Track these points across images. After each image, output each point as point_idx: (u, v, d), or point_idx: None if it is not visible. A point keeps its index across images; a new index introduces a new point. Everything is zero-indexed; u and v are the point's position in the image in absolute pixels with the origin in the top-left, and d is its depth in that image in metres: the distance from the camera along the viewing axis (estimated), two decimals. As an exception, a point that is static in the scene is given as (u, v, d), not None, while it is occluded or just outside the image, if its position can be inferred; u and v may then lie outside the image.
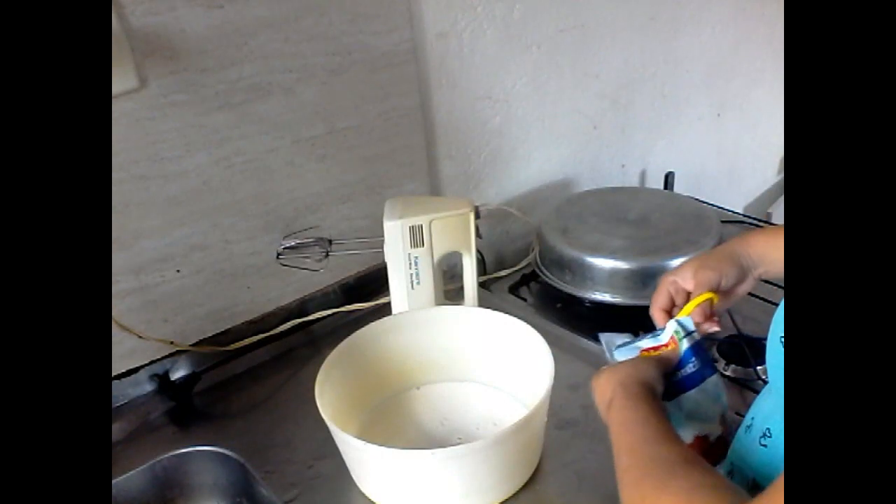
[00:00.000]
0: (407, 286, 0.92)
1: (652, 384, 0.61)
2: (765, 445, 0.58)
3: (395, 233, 0.89)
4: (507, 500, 0.73)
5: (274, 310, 1.02)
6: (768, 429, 0.58)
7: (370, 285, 1.09)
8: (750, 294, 1.06)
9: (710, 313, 0.69)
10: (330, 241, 0.98)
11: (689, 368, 0.66)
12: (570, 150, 1.37)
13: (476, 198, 1.21)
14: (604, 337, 0.73)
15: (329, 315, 1.04)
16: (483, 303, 0.97)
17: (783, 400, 0.49)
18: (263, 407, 0.90)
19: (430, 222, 0.89)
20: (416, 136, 1.08)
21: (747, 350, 0.93)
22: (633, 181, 1.55)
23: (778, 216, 1.87)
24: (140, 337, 0.89)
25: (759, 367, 0.91)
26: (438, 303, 0.94)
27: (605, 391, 0.61)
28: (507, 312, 0.85)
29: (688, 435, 0.65)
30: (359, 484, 0.75)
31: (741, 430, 0.64)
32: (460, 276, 0.97)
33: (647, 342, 0.69)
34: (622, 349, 0.70)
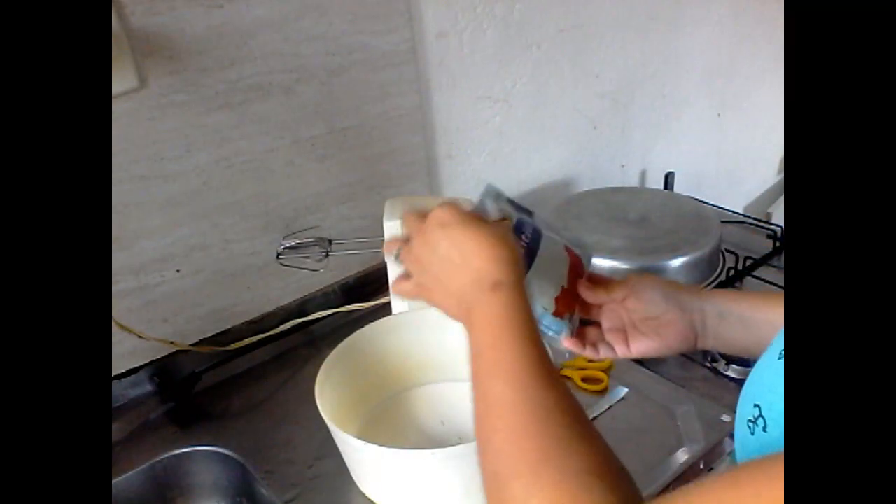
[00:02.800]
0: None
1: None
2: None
3: (395, 233, 0.89)
4: (507, 500, 0.73)
5: (274, 310, 1.02)
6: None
7: (370, 285, 1.09)
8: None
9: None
10: (330, 241, 0.98)
11: (528, 230, 0.60)
12: (570, 150, 1.37)
13: (476, 198, 1.21)
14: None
15: (329, 315, 1.04)
16: (483, 303, 0.97)
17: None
18: (263, 407, 0.90)
19: (430, 222, 0.89)
20: (416, 136, 1.08)
21: (747, 350, 0.93)
22: (633, 181, 1.55)
23: (778, 216, 1.87)
24: (140, 337, 0.89)
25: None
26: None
27: (489, 258, 0.50)
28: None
29: (549, 299, 0.61)
30: (359, 484, 0.75)
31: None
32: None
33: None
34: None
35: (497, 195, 0.62)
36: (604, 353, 0.66)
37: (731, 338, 0.62)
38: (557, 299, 0.63)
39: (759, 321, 0.61)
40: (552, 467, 0.43)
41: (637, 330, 0.64)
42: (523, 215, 0.63)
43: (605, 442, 0.45)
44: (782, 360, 0.47)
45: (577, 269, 0.65)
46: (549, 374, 0.47)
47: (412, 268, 0.58)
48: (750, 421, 0.47)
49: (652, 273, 1.01)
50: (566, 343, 0.65)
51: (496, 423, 0.46)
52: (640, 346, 0.64)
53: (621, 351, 0.65)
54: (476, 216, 0.55)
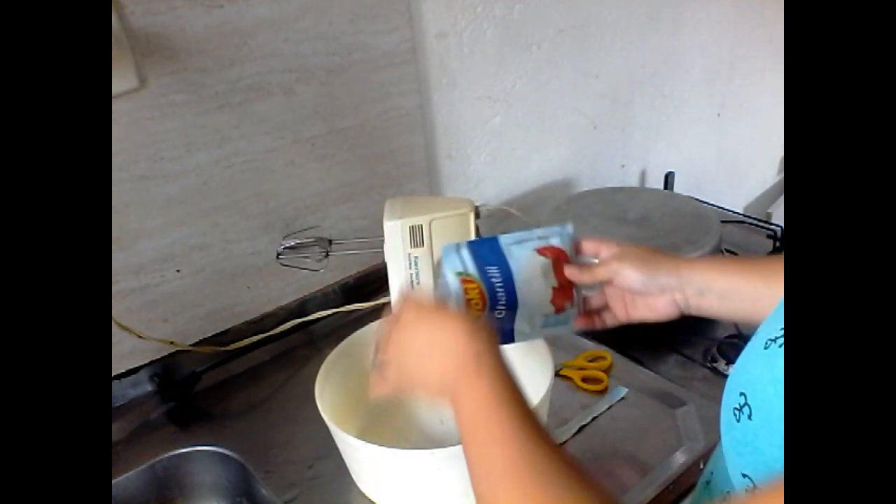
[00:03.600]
0: (407, 286, 0.92)
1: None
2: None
3: (395, 233, 0.89)
4: (507, 500, 0.73)
5: (274, 310, 1.02)
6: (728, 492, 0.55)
7: (370, 285, 1.09)
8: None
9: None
10: (330, 241, 0.98)
11: (497, 279, 0.65)
12: (570, 150, 1.37)
13: (476, 198, 1.20)
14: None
15: (329, 315, 1.04)
16: (483, 303, 0.97)
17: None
18: (263, 407, 0.90)
19: (430, 222, 0.89)
20: (416, 136, 1.08)
21: (747, 350, 0.93)
22: (633, 181, 1.55)
23: (778, 216, 1.87)
24: (140, 337, 0.89)
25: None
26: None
27: (467, 331, 0.53)
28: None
29: (547, 306, 0.66)
30: (359, 484, 0.75)
31: (700, 485, 0.61)
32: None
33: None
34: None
35: (452, 255, 0.66)
36: (609, 320, 0.71)
37: (711, 309, 0.67)
38: (553, 301, 0.66)
39: (735, 294, 0.65)
40: None
41: (632, 300, 0.70)
42: (485, 253, 0.66)
43: (601, 484, 0.47)
44: (768, 350, 0.48)
45: (562, 259, 0.68)
46: (539, 432, 0.49)
47: (392, 362, 0.59)
48: (735, 409, 0.49)
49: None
50: (578, 324, 0.70)
51: (496, 484, 0.48)
52: (636, 315, 0.70)
53: (622, 316, 0.71)
54: (444, 308, 0.59)
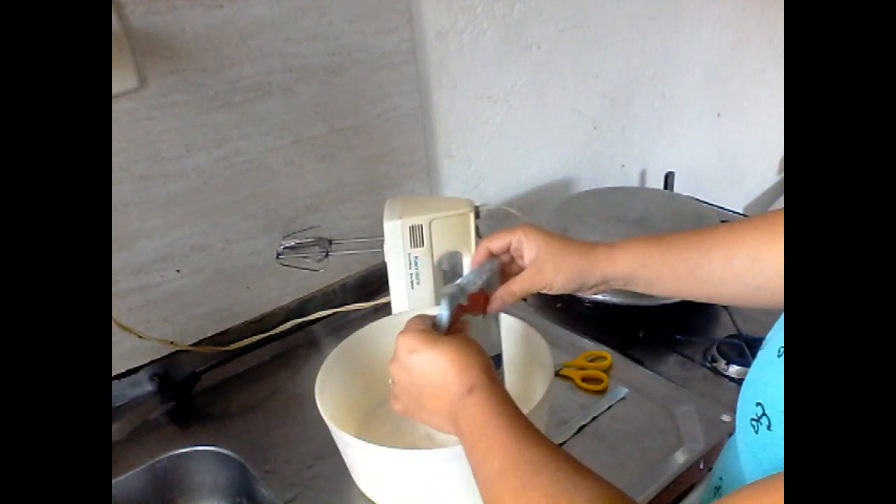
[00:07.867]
0: (407, 286, 0.92)
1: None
2: None
3: (395, 233, 0.89)
4: (507, 500, 0.73)
5: (274, 310, 1.02)
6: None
7: (370, 285, 1.09)
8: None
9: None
10: (330, 241, 0.98)
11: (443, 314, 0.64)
12: (570, 150, 1.37)
13: (476, 198, 1.21)
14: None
15: (329, 315, 1.04)
16: (483, 303, 0.97)
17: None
18: (263, 407, 0.90)
19: (430, 222, 0.89)
20: (416, 136, 1.08)
21: (747, 350, 0.93)
22: (633, 181, 1.55)
23: (778, 216, 1.87)
24: (140, 337, 0.89)
25: (759, 367, 0.91)
26: (438, 303, 0.94)
27: (459, 370, 0.55)
28: (507, 312, 0.85)
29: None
30: (359, 484, 0.75)
31: (707, 489, 0.60)
32: (460, 276, 0.97)
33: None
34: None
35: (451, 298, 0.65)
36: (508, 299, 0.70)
37: (635, 290, 0.67)
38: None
39: (658, 281, 0.65)
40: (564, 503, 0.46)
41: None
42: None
43: (600, 476, 0.48)
44: (782, 358, 0.47)
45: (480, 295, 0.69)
46: (536, 437, 0.51)
47: (398, 393, 0.61)
48: (753, 419, 0.48)
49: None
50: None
51: (501, 490, 0.49)
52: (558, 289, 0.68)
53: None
54: (436, 333, 0.60)
